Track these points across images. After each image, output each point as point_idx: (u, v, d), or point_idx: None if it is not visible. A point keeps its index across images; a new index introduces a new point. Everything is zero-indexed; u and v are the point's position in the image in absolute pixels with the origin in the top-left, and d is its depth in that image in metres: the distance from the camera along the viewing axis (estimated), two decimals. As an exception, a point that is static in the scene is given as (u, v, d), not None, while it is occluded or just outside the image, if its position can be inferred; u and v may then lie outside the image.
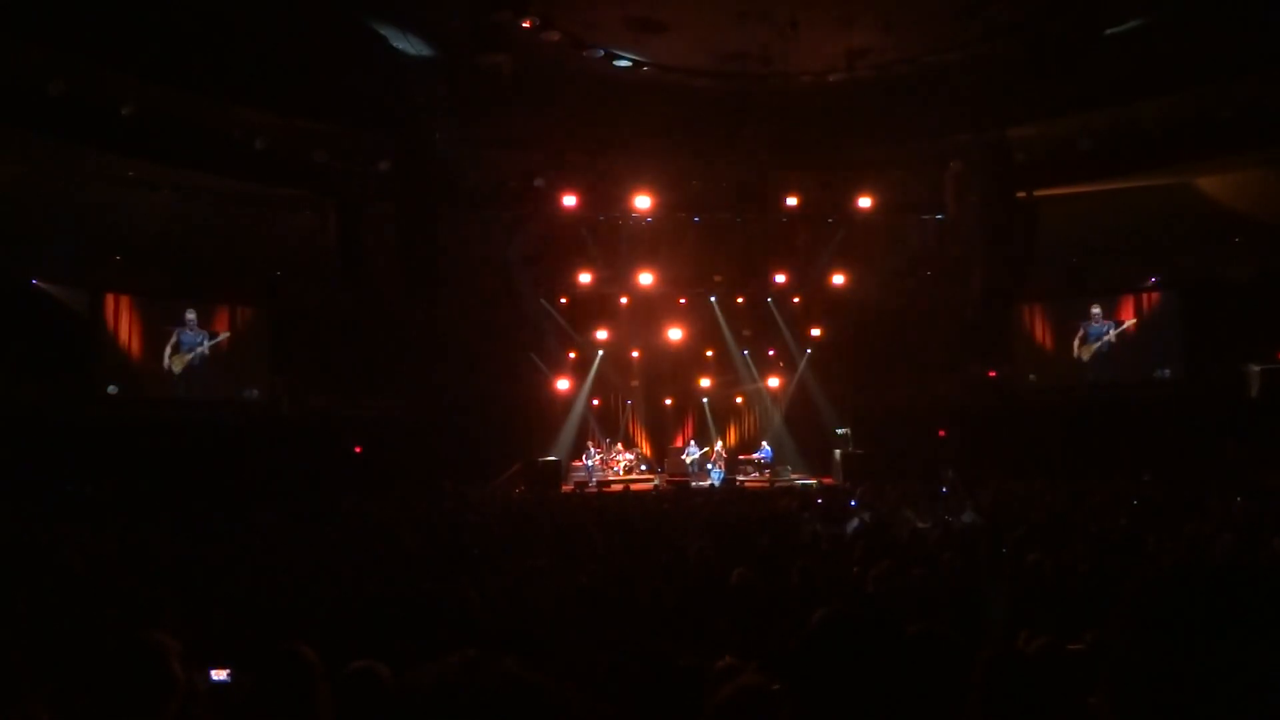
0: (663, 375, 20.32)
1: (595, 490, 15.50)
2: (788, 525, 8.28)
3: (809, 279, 18.92)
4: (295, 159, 13.62)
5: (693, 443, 18.88)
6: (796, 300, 19.92)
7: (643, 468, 19.59)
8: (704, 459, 18.59)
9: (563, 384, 19.22)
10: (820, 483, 16.57)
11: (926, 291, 17.78)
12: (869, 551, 6.08)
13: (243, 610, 3.97)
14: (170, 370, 15.11)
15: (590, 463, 18.30)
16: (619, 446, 19.50)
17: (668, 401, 20.63)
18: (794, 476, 18.39)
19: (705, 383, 20.35)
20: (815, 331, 19.78)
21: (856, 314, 18.20)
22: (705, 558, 6.01)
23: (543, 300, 18.99)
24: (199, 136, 11.99)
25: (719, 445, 18.89)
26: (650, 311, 19.76)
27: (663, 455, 19.83)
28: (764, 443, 19.12)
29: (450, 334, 16.72)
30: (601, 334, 19.52)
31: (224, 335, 15.71)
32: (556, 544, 6.63)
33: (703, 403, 20.58)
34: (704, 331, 20.06)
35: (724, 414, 20.80)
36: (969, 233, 15.78)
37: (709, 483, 17.20)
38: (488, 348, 17.42)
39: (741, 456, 19.30)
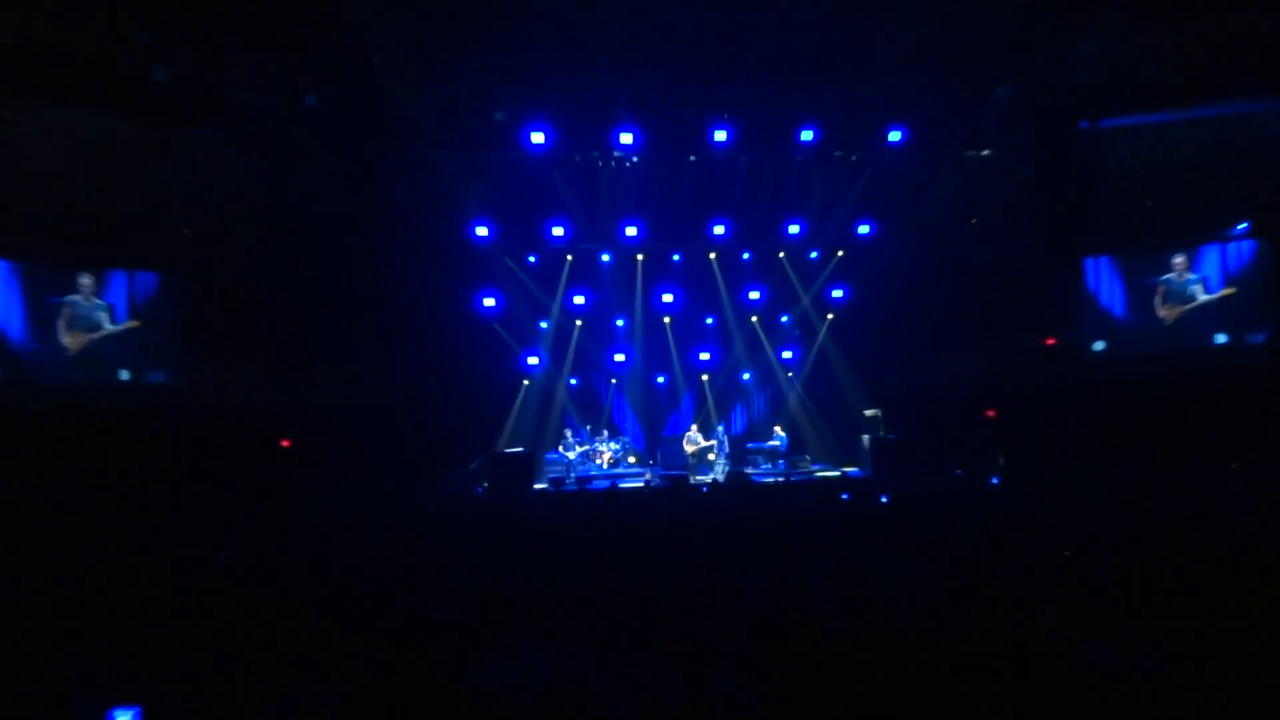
0: (654, 349, 20.45)
1: (575, 488, 15.60)
2: (808, 525, 8.32)
3: (829, 230, 18.99)
4: (205, 93, 13.37)
5: (693, 429, 18.93)
6: (815, 256, 19.94)
7: (631, 460, 19.76)
8: (705, 449, 18.70)
9: (533, 360, 19.34)
10: (845, 475, 16.67)
11: (970, 243, 17.68)
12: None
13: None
14: (64, 350, 14.95)
15: (569, 455, 18.38)
16: (603, 435, 19.63)
17: (660, 380, 20.76)
18: (814, 468, 18.50)
19: (705, 356, 20.42)
20: (837, 293, 19.88)
21: (887, 271, 18.25)
22: (711, 564, 6.06)
23: (507, 260, 19.00)
24: (87, 68, 11.83)
25: (722, 431, 18.96)
26: (637, 272, 19.92)
27: (655, 445, 20.03)
28: (777, 428, 19.20)
29: (398, 303, 16.68)
30: (579, 300, 19.57)
31: (124, 308, 15.50)
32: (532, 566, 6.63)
33: (703, 381, 20.70)
34: (703, 295, 20.19)
35: (728, 394, 20.94)
36: (1021, 172, 15.73)
37: (711, 477, 17.31)
38: (443, 319, 17.47)
39: (750, 445, 19.39)
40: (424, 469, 15.76)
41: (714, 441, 18.72)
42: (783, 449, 18.79)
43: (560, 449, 18.61)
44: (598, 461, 19.16)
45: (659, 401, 20.90)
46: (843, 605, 5.03)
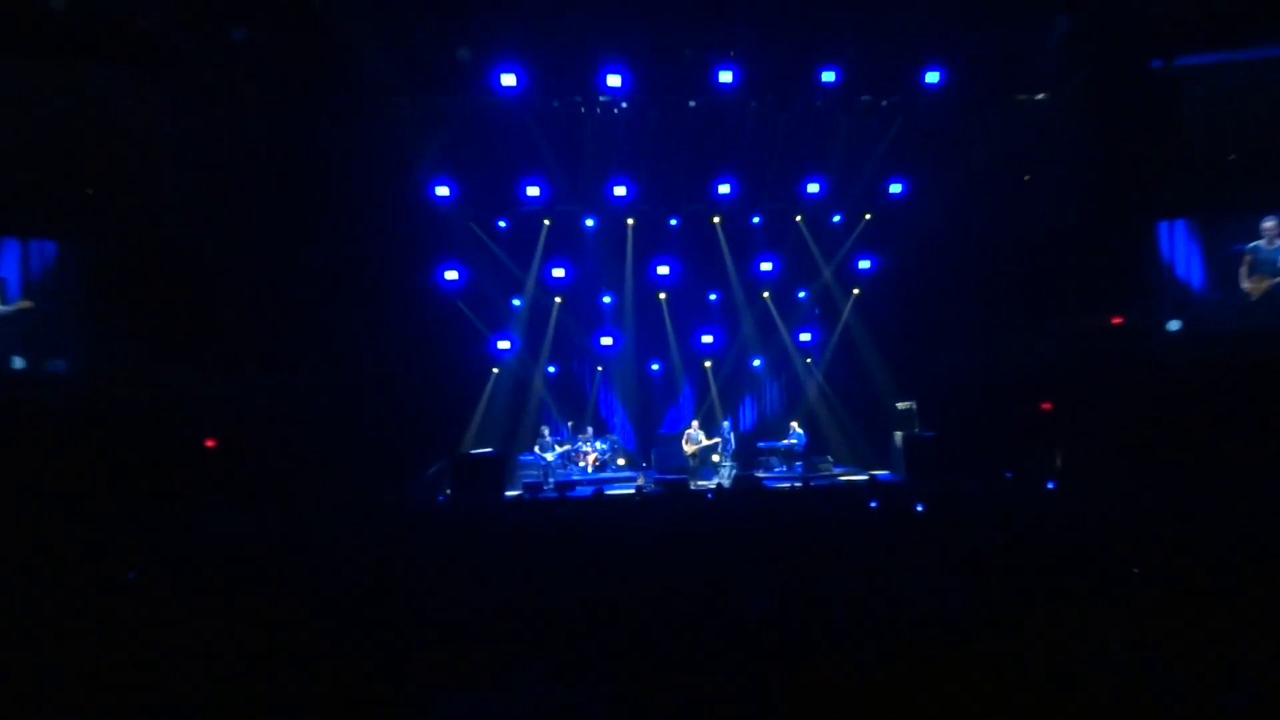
0: (648, 330, 20.50)
1: (555, 495, 15.56)
2: (830, 538, 8.35)
3: (855, 189, 18.95)
4: (110, 24, 13.00)
5: (693, 425, 18.92)
6: (837, 220, 19.93)
7: (620, 463, 19.80)
8: (708, 449, 18.68)
9: (504, 344, 19.38)
10: (874, 479, 16.69)
11: (1022, 205, 17.50)
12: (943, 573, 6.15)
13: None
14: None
15: (547, 456, 18.38)
16: (587, 433, 19.67)
17: (655, 367, 20.79)
18: (837, 471, 18.53)
19: (708, 340, 20.44)
20: (864, 264, 19.89)
21: (923, 238, 18.18)
22: (716, 584, 6.06)
23: (473, 226, 18.96)
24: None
25: (728, 428, 18.99)
26: (627, 239, 19.90)
27: (649, 444, 20.07)
28: (794, 424, 19.22)
29: (343, 277, 16.61)
30: (559, 273, 19.56)
31: (17, 284, 15.34)
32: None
33: (705, 369, 20.74)
34: (705, 267, 20.21)
35: (736, 384, 21.00)
36: (1082, 120, 15.55)
37: (716, 482, 17.32)
38: (396, 295, 17.43)
39: (762, 444, 19.42)
40: (373, 474, 15.75)
41: (719, 440, 18.70)
42: (800, 448, 18.79)
43: (537, 449, 18.60)
44: (581, 464, 19.18)
45: (653, 393, 20.95)
46: (871, 634, 4.99)
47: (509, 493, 16.63)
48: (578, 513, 11.56)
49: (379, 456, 16.26)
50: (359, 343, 16.86)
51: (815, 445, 19.40)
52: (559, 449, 18.81)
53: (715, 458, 18.86)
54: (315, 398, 16.23)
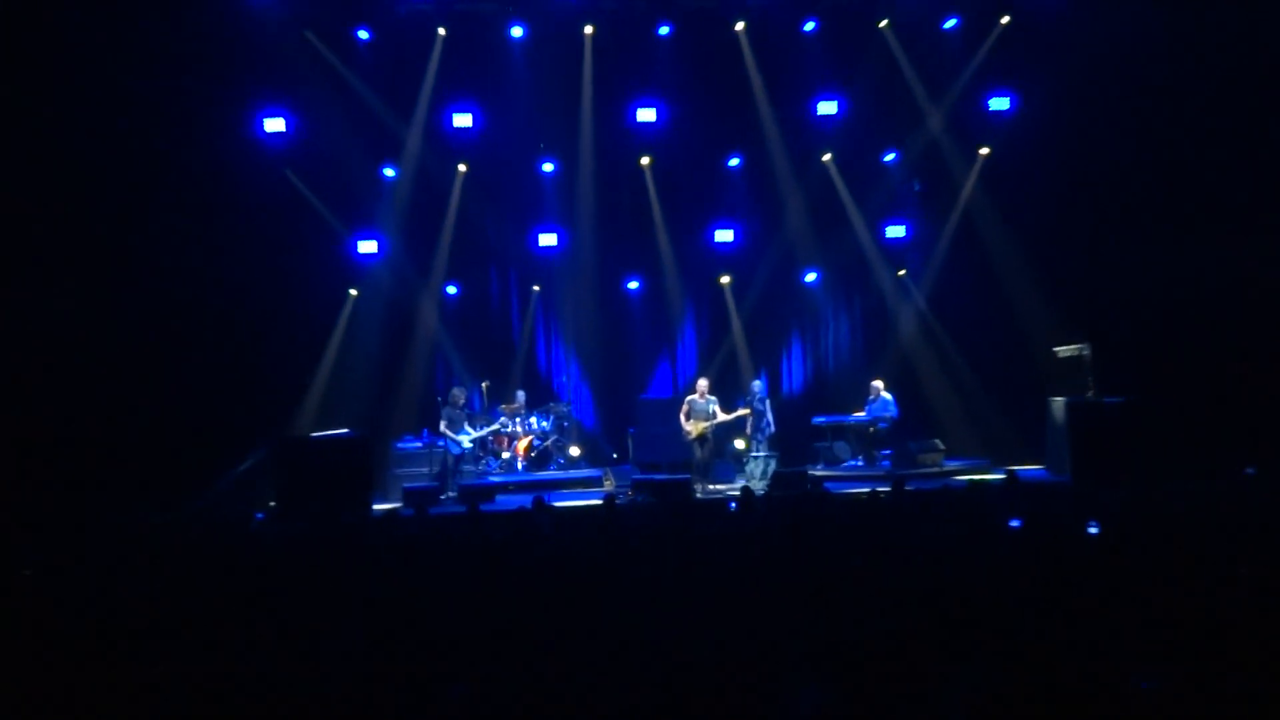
0: (620, 221, 20.62)
1: (462, 509, 15.49)
2: (939, 586, 8.31)
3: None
4: None
5: (700, 387, 18.80)
6: (953, 22, 19.85)
7: (574, 453, 19.95)
8: (722, 427, 18.64)
9: (368, 246, 19.25)
10: (1015, 478, 16.65)
11: (1213, 65, 17.87)
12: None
13: None
14: None
15: (456, 442, 18.27)
16: (515, 401, 19.67)
17: (632, 286, 20.93)
18: (950, 465, 18.48)
19: (726, 236, 20.49)
20: (1001, 102, 19.79)
21: (1097, 58, 18.39)
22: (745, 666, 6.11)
23: (310, 38, 18.65)
24: None
25: (761, 390, 18.90)
26: (584, 59, 19.88)
27: (623, 420, 20.18)
28: (877, 386, 19.16)
29: (86, 123, 16.71)
30: (465, 120, 19.44)
31: None
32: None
33: (721, 288, 20.88)
34: (720, 107, 20.18)
35: (775, 315, 21.16)
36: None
37: (741, 485, 17.26)
38: (183, 157, 17.66)
39: (822, 420, 19.35)
40: (135, 478, 15.86)
41: (744, 413, 18.63)
42: (887, 427, 18.72)
43: (438, 430, 18.46)
44: (505, 455, 19.11)
45: (630, 331, 21.04)
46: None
47: (379, 506, 16.59)
48: (498, 544, 11.48)
49: (143, 446, 16.47)
50: (113, 244, 17.03)
51: (914, 423, 19.39)
52: (472, 430, 18.70)
53: (740, 443, 18.87)
54: (91, 351, 16.68)
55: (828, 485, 16.19)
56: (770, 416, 18.96)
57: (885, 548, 10.10)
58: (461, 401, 18.74)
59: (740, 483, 17.55)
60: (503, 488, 17.82)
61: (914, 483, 16.38)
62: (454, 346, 20.35)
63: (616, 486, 17.38)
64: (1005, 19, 19.57)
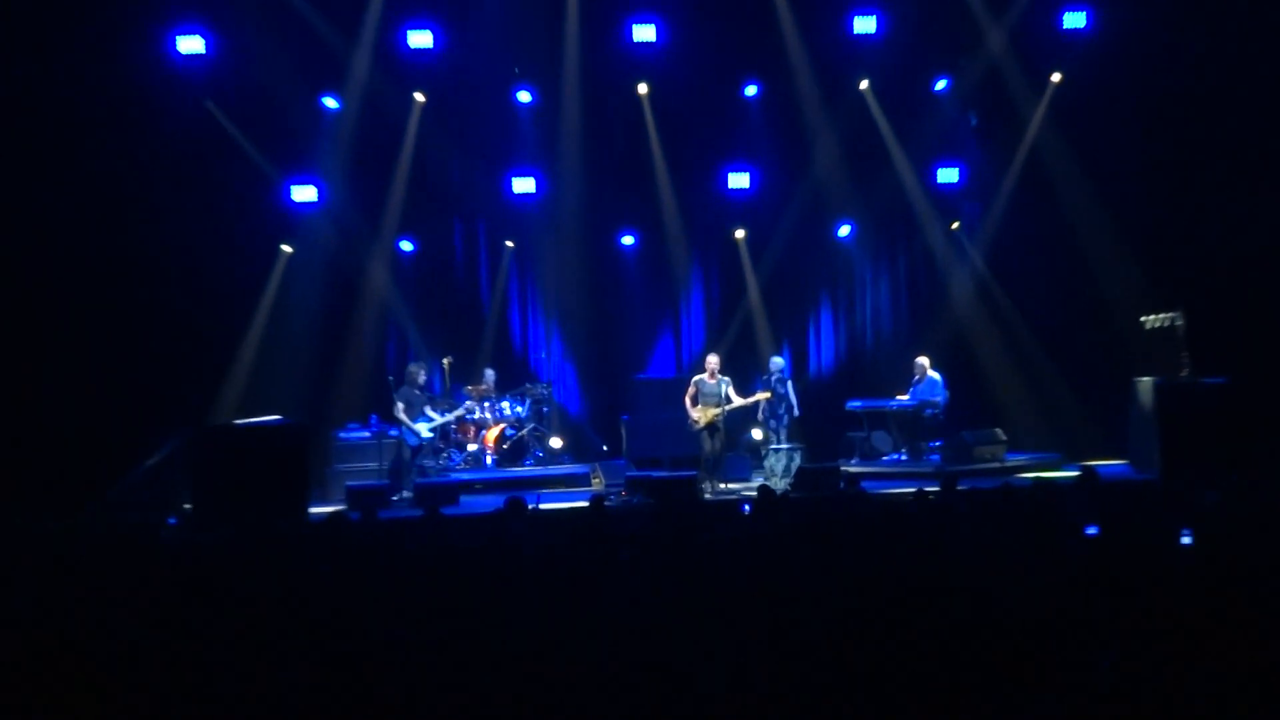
0: (611, 164, 20.69)
1: (419, 513, 15.52)
2: (1001, 613, 8.34)
3: None
4: None
5: (710, 364, 18.75)
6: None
7: (555, 445, 20.00)
8: (736, 413, 18.61)
9: (304, 193, 19.19)
10: (1094, 476, 16.68)
11: None
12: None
13: None
14: None
15: (413, 431, 18.21)
16: (484, 382, 19.79)
17: (627, 241, 21.03)
18: (1013, 460, 18.59)
19: (741, 181, 20.56)
20: (1076, 19, 19.76)
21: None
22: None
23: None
24: None
25: (782, 370, 18.87)
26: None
27: (613, 406, 20.39)
28: (923, 365, 19.13)
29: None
30: (422, 39, 19.31)
31: None
32: None
33: (736, 244, 21.02)
34: (732, 20, 20.21)
35: (801, 278, 21.29)
36: None
37: (759, 484, 17.24)
38: (77, 91, 17.64)
39: (858, 405, 19.34)
40: (21, 478, 15.97)
41: (763, 396, 18.61)
42: (934, 415, 18.77)
43: (391, 417, 18.41)
44: (471, 447, 19.22)
45: (623, 295, 21.17)
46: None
47: (317, 509, 16.59)
48: (462, 555, 11.53)
49: (18, 441, 16.57)
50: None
51: (968, 408, 19.51)
52: (435, 418, 18.68)
53: (758, 433, 18.98)
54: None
55: (864, 484, 16.16)
56: (794, 400, 18.92)
57: (933, 561, 10.10)
58: (419, 382, 18.67)
59: (758, 481, 17.60)
60: (468, 487, 17.95)
61: (968, 481, 16.31)
62: (410, 315, 20.38)
63: (607, 485, 17.48)
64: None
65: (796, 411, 18.83)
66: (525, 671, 7.53)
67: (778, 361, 19.11)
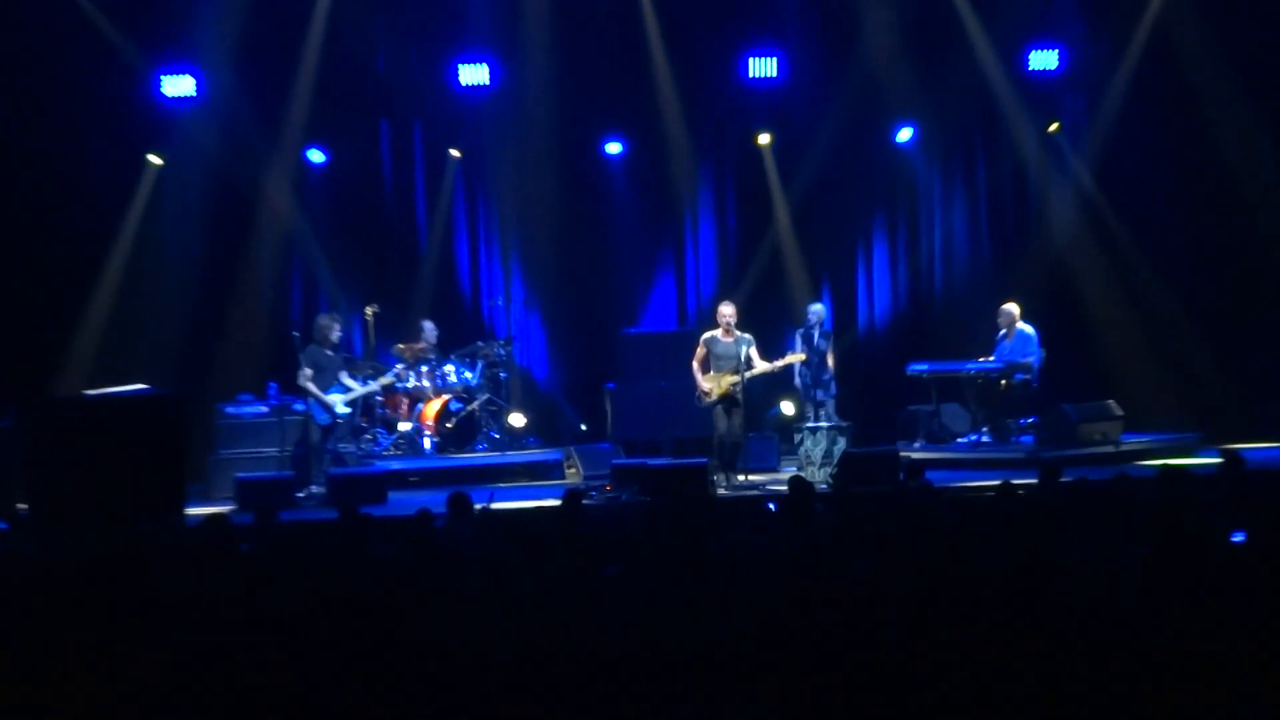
0: (592, 38, 20.58)
1: (339, 516, 15.45)
2: (1128, 639, 8.22)
3: None
4: None
5: (725, 318, 18.67)
6: None
7: (514, 422, 20.01)
8: (756, 379, 18.46)
9: (178, 85, 19.11)
10: (1235, 461, 16.67)
11: None
12: None
13: None
14: None
15: (324, 405, 18.11)
16: (422, 339, 19.69)
17: (614, 150, 20.97)
18: (1132, 441, 18.54)
19: (767, 68, 20.44)
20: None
21: None
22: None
23: None
24: None
25: (821, 319, 18.73)
26: None
27: (593, 371, 20.45)
28: (1014, 316, 19.01)
29: None
30: None
31: None
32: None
33: (759, 152, 20.95)
34: None
35: (849, 217, 21.31)
36: None
37: (790, 476, 17.14)
38: None
39: (923, 368, 19.25)
40: None
41: (796, 357, 18.54)
42: (1023, 379, 18.65)
43: (296, 386, 18.28)
44: (404, 425, 19.24)
45: (611, 225, 21.23)
46: None
47: (196, 510, 16.49)
48: (391, 571, 11.46)
49: None
50: None
51: (1072, 373, 19.48)
52: (352, 387, 18.57)
53: (789, 408, 19.01)
54: None
55: (930, 475, 16.10)
56: (829, 362, 18.77)
57: (1028, 578, 9.95)
58: (332, 339, 18.51)
59: (789, 472, 17.46)
60: (400, 479, 17.95)
61: (1073, 470, 16.30)
62: (321, 249, 20.27)
63: (586, 478, 17.44)
64: None
65: (833, 388, 18.63)
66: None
67: (817, 311, 18.95)
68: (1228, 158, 19.71)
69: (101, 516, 14.91)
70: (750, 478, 17.77)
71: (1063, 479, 14.30)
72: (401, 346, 19.47)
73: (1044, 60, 20.57)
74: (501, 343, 20.10)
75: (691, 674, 7.96)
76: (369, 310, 19.74)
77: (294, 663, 8.39)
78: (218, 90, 19.50)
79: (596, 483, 16.97)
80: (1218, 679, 7.57)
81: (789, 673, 7.83)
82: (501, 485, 17.43)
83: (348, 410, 18.25)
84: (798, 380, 18.55)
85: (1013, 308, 18.99)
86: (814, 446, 18.18)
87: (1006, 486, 13.46)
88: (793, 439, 18.66)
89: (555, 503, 14.45)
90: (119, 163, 19.40)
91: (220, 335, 19.55)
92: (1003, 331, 18.94)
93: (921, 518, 12.81)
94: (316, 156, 20.21)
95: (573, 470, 17.60)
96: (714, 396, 17.95)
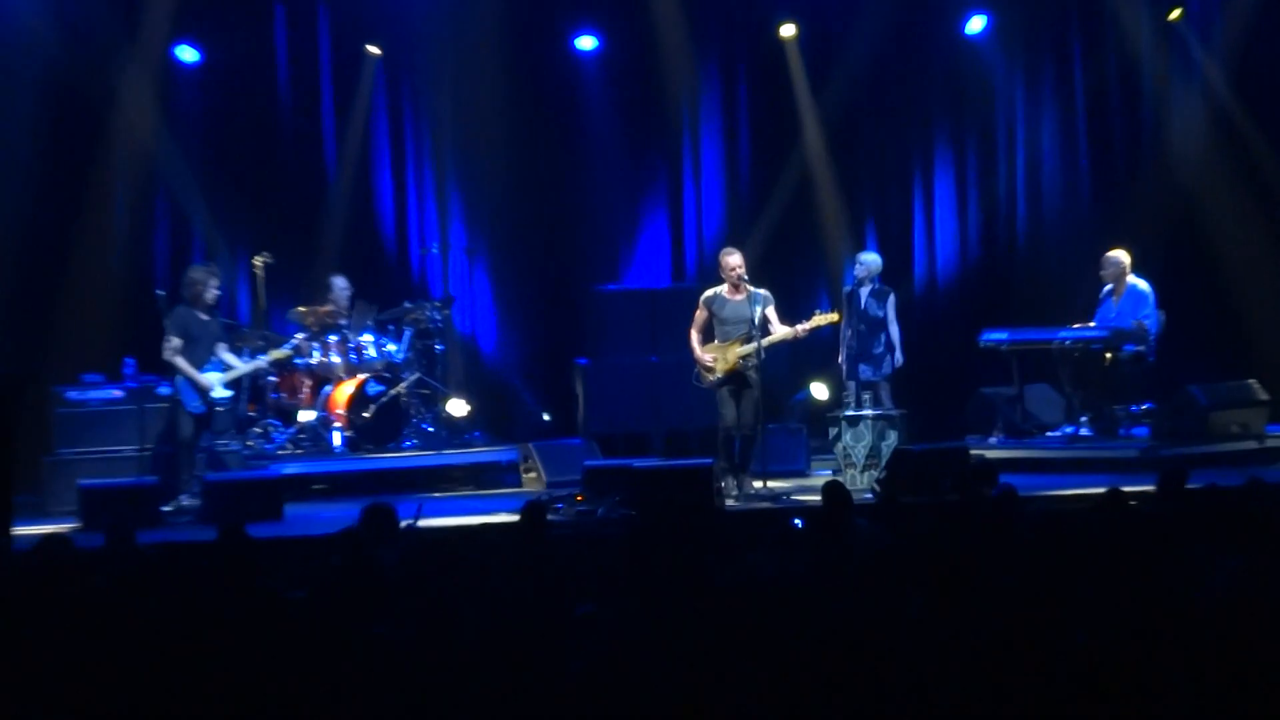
0: None
1: (219, 536, 15.46)
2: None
3: None
4: None
5: (730, 271, 18.58)
6: None
7: (454, 410, 20.04)
8: (774, 346, 18.32)
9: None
10: None
11: None
12: None
13: None
14: None
15: (198, 387, 18.04)
16: (333, 299, 19.24)
17: (586, 44, 21.03)
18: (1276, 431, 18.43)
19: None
20: None
21: None
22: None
23: None
24: None
25: (874, 280, 18.61)
26: None
27: (568, 351, 20.41)
28: (1124, 266, 18.93)
29: None
30: None
31: None
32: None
33: (788, 69, 20.98)
34: None
35: (902, 136, 21.37)
36: None
37: (815, 484, 17.08)
38: None
39: (999, 337, 19.15)
40: None
41: (828, 318, 18.30)
42: (1135, 350, 18.54)
43: (162, 362, 18.17)
44: (305, 414, 19.14)
45: (583, 148, 21.27)
46: None
47: (26, 529, 16.40)
48: (289, 612, 11.38)
49: None
50: None
51: (1200, 345, 19.22)
52: (236, 365, 18.48)
53: (820, 390, 18.96)
54: None
55: (1010, 480, 16.01)
56: (893, 332, 18.69)
57: (1147, 621, 9.83)
58: (209, 298, 18.40)
59: (823, 475, 17.34)
60: (301, 485, 17.92)
61: (1202, 473, 16.25)
62: (194, 179, 20.13)
63: (550, 484, 17.33)
64: None
65: (898, 357, 18.54)
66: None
67: (869, 260, 18.80)
68: None
69: None
70: (769, 484, 17.52)
71: (1190, 484, 14.25)
72: (303, 310, 19.34)
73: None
74: (437, 304, 20.01)
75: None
76: (258, 260, 19.64)
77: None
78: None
79: (564, 491, 16.90)
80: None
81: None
82: (436, 495, 17.48)
83: (228, 394, 18.14)
84: (843, 353, 18.37)
85: (1121, 256, 18.89)
86: (855, 442, 18.07)
87: (1115, 495, 13.32)
88: (827, 432, 18.54)
89: (510, 518, 14.58)
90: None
91: (58, 295, 19.32)
92: (1108, 288, 18.86)
93: (999, 538, 12.72)
94: (188, 55, 20.10)
95: (532, 475, 17.53)
96: (719, 374, 17.84)
